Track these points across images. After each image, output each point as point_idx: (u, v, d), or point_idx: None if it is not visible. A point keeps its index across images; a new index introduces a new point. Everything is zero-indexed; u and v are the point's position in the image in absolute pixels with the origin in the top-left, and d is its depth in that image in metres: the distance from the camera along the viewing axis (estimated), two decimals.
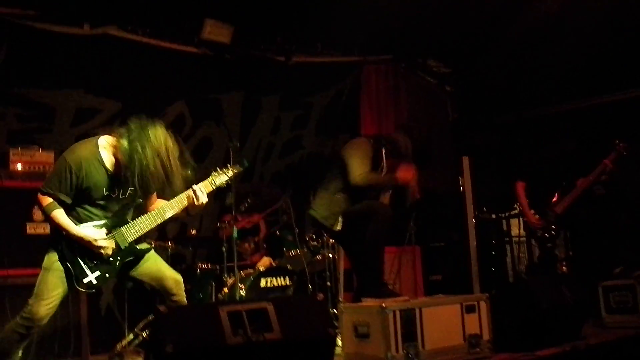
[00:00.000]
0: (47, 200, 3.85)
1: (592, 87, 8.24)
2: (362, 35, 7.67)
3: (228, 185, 4.54)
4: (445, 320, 4.19)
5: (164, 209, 4.10)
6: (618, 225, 6.61)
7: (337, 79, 8.30)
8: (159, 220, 4.10)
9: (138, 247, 4.08)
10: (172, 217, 4.17)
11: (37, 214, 5.21)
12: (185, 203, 4.14)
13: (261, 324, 3.26)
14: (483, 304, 4.39)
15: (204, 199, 4.16)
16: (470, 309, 4.34)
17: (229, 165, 4.47)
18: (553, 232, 6.43)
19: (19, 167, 5.45)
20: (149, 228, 4.08)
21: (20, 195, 5.20)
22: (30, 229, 5.26)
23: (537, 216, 6.50)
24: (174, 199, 4.12)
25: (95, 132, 6.06)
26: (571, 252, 6.95)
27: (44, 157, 5.60)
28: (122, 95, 6.60)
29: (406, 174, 4.90)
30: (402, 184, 4.96)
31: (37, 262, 4.60)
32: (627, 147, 6.29)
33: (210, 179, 4.30)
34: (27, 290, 4.00)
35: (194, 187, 4.15)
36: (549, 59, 7.65)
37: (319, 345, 3.40)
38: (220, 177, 4.34)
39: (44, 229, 5.19)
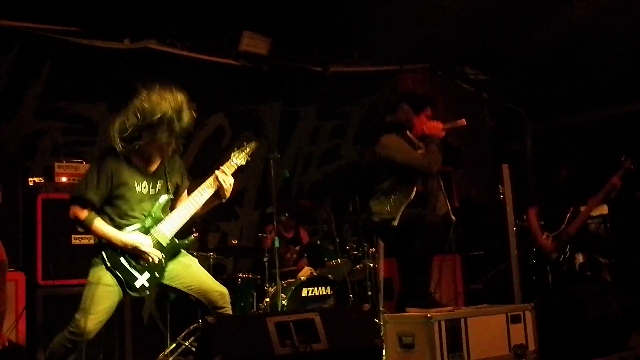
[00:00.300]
0: (82, 213, 3.83)
1: (629, 93, 8.13)
2: (398, 44, 7.68)
3: (270, 197, 4.54)
4: (490, 331, 4.16)
5: (194, 198, 4.09)
6: None
7: (374, 88, 8.32)
8: (194, 209, 4.07)
9: (179, 241, 4.07)
10: (206, 205, 4.15)
11: None
12: (213, 187, 4.11)
13: (308, 335, 3.28)
14: (528, 314, 4.36)
15: (230, 180, 4.14)
16: (515, 319, 4.31)
17: (245, 143, 4.43)
18: (567, 254, 6.34)
19: (64, 179, 5.55)
20: (186, 219, 4.06)
21: (65, 207, 5.26)
22: (75, 240, 5.37)
23: (549, 240, 6.43)
24: (200, 186, 4.12)
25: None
26: (614, 260, 6.87)
27: (87, 169, 5.68)
28: None
29: (432, 126, 4.92)
30: (436, 137, 4.95)
31: (84, 273, 4.67)
32: (632, 161, 6.16)
33: (229, 160, 4.28)
34: (73, 300, 4.03)
35: (217, 171, 4.14)
36: (584, 64, 7.57)
37: (365, 355, 3.41)
38: (240, 155, 4.31)
39: (89, 239, 5.26)
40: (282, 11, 6.74)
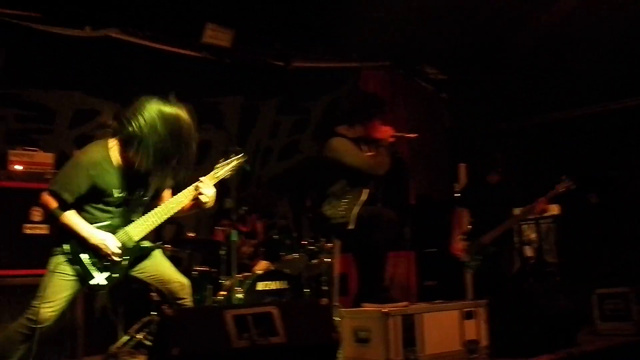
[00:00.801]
0: (53, 203, 3.81)
1: (591, 95, 8.31)
2: (360, 41, 7.71)
3: (226, 189, 4.54)
4: (444, 326, 4.25)
5: (169, 206, 4.05)
6: (614, 233, 6.66)
7: (335, 85, 8.35)
8: (165, 217, 4.04)
9: (144, 245, 4.05)
10: (181, 213, 4.13)
11: (35, 215, 5.22)
12: (190, 196, 4.08)
13: (266, 328, 3.29)
14: (481, 311, 4.45)
15: (210, 190, 4.12)
16: (469, 315, 4.40)
17: (231, 156, 4.42)
18: (477, 262, 6.38)
19: (18, 168, 5.45)
20: (156, 225, 4.03)
21: (18, 196, 5.20)
22: (27, 229, 5.26)
23: (462, 244, 6.46)
24: (179, 194, 4.09)
25: (94, 134, 6.17)
26: (561, 260, 7.04)
27: (43, 158, 5.59)
28: (121, 97, 6.60)
29: (382, 130, 4.97)
30: (385, 139, 5.01)
31: (34, 263, 4.61)
32: (570, 185, 5.99)
33: (213, 171, 4.26)
34: (23, 290, 3.99)
35: (198, 181, 4.14)
36: (546, 67, 7.72)
37: (322, 349, 3.44)
38: (224, 169, 4.28)
39: (43, 229, 5.20)
40: (245, 4, 6.72)
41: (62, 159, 5.71)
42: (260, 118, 7.84)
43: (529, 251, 8.87)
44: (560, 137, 8.25)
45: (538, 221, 8.33)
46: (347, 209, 4.84)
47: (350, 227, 4.83)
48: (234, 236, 5.52)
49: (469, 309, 4.41)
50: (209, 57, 7.18)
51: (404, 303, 4.58)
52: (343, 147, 4.89)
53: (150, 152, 3.78)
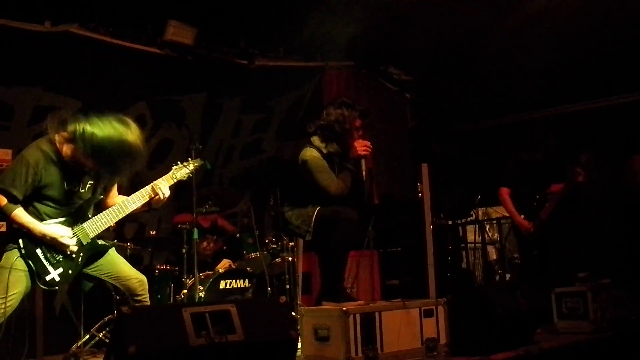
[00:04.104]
0: (3, 199, 3.79)
1: (550, 97, 8.46)
2: (324, 41, 7.74)
3: (189, 186, 4.54)
4: (404, 324, 4.27)
5: (125, 204, 4.09)
6: (579, 230, 6.75)
7: (298, 84, 8.36)
8: (121, 215, 4.08)
9: (99, 242, 4.06)
10: (134, 211, 4.15)
11: None
12: (147, 197, 4.13)
13: (224, 326, 3.27)
14: (441, 309, 4.48)
15: (166, 192, 4.17)
16: (428, 314, 4.42)
17: (189, 159, 4.47)
18: (541, 239, 6.46)
19: None
20: (111, 223, 4.09)
21: None
22: None
23: (526, 221, 6.52)
24: (135, 194, 4.12)
25: None
26: (522, 259, 7.11)
27: (1, 154, 5.52)
28: (82, 93, 6.53)
29: (359, 148, 4.94)
30: (360, 157, 4.98)
31: None
32: (588, 158, 6.32)
33: (171, 172, 4.31)
34: None
35: (156, 181, 4.16)
36: (507, 70, 7.82)
37: (281, 347, 3.43)
38: (182, 171, 4.35)
39: (0, 227, 5.13)
40: (209, 2, 6.69)
41: None
42: (223, 116, 7.81)
43: (492, 251, 9.00)
44: (522, 139, 8.35)
45: (500, 221, 8.44)
46: (309, 216, 4.85)
47: (308, 238, 4.86)
48: (195, 234, 5.49)
49: (429, 307, 4.44)
50: (171, 55, 7.14)
51: (361, 301, 4.60)
52: (316, 165, 4.82)
53: (92, 155, 3.82)
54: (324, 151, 4.89)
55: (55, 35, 6.40)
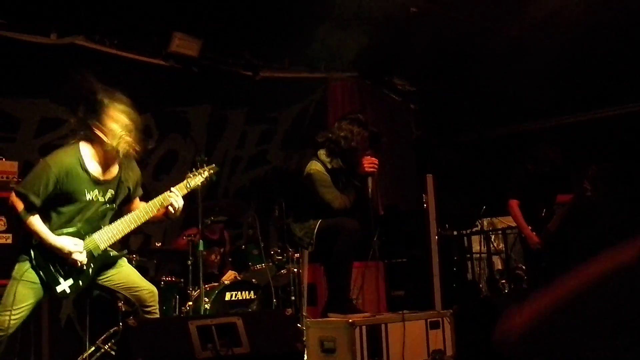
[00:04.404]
0: (20, 204, 3.77)
1: (555, 107, 8.45)
2: (328, 52, 7.75)
3: (194, 197, 4.52)
4: (410, 336, 4.25)
5: (138, 214, 4.03)
6: (586, 243, 6.72)
7: (303, 95, 8.38)
8: (133, 225, 4.02)
9: (111, 253, 4.03)
10: (148, 221, 4.10)
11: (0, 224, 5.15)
12: (159, 207, 4.07)
13: (230, 339, 3.28)
14: (447, 321, 4.47)
15: (180, 201, 4.12)
16: (434, 325, 4.42)
17: (204, 165, 4.41)
18: (549, 250, 6.44)
19: None
20: (123, 234, 4.02)
21: None
22: None
23: (534, 233, 6.51)
24: (148, 204, 4.07)
25: (59, 142, 6.09)
26: (528, 269, 7.10)
27: (7, 166, 5.50)
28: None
29: (367, 165, 4.93)
30: (367, 175, 4.96)
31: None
32: (596, 171, 6.24)
33: (185, 181, 4.24)
34: None
35: (170, 190, 4.13)
36: (511, 79, 7.82)
37: (287, 359, 3.43)
38: (195, 179, 4.27)
39: (6, 239, 5.12)
40: (214, 14, 6.72)
41: (26, 168, 5.64)
42: (228, 128, 7.82)
43: (497, 261, 8.97)
44: (526, 150, 8.36)
45: (505, 231, 8.42)
46: (313, 230, 4.86)
47: (310, 250, 4.88)
48: (201, 246, 5.49)
49: (435, 319, 4.43)
50: (176, 66, 7.16)
51: (368, 313, 4.59)
52: (320, 179, 4.83)
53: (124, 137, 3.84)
54: (329, 166, 4.89)
55: (61, 47, 6.44)
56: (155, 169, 7.12)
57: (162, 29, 6.89)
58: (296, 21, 6.79)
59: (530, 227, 6.50)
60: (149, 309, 4.04)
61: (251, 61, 7.72)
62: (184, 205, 4.19)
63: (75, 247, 3.84)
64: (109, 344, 5.80)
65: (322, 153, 4.95)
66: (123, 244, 6.33)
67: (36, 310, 4.84)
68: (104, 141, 3.86)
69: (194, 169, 4.35)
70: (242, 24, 6.90)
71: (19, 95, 6.28)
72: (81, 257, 3.85)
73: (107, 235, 3.97)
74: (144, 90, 6.96)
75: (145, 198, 4.35)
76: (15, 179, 5.31)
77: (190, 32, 7.00)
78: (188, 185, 4.24)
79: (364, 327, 4.04)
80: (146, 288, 4.07)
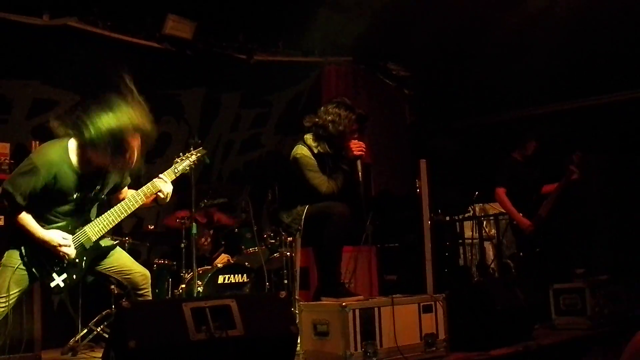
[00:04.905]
0: (7, 202, 3.74)
1: (550, 94, 8.46)
2: (323, 36, 7.72)
3: (187, 180, 4.50)
4: (403, 320, 4.26)
5: (127, 204, 4.00)
6: (577, 227, 6.78)
7: (297, 79, 8.35)
8: (123, 215, 3.99)
9: (102, 244, 4.01)
10: (139, 208, 4.07)
11: None
12: (148, 194, 4.04)
13: (224, 321, 3.27)
14: (439, 304, 4.48)
15: (168, 187, 4.09)
16: (427, 309, 4.42)
17: (191, 149, 4.37)
18: (541, 235, 6.48)
19: None
20: (114, 224, 4.00)
21: None
22: None
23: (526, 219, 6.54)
24: (137, 191, 4.05)
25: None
26: (521, 254, 7.13)
27: None
28: (80, 87, 6.50)
29: (354, 148, 4.90)
30: (356, 159, 4.93)
31: None
32: (581, 157, 6.39)
33: (172, 167, 4.21)
34: None
35: (158, 177, 4.10)
36: (506, 67, 7.82)
37: (281, 342, 3.44)
38: (183, 163, 4.25)
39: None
40: None
41: (18, 150, 5.62)
42: (221, 111, 7.80)
43: (489, 246, 9.00)
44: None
45: (497, 217, 8.45)
46: (297, 217, 4.86)
47: (298, 237, 4.92)
48: (194, 229, 5.48)
49: (428, 303, 4.44)
50: (170, 49, 7.12)
51: (360, 296, 4.60)
52: (306, 164, 4.80)
53: (108, 151, 3.71)
54: (315, 150, 4.86)
55: (53, 28, 6.38)
56: (149, 152, 7.07)
57: (156, 11, 6.84)
58: (291, 5, 6.76)
59: (521, 214, 6.53)
60: (141, 292, 4.05)
61: (245, 44, 7.68)
62: (174, 189, 4.17)
63: (64, 241, 3.80)
64: (102, 327, 5.81)
65: (308, 137, 4.93)
66: (115, 229, 6.33)
67: (28, 292, 4.85)
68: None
69: (181, 154, 4.34)
70: (237, 7, 6.86)
71: (12, 76, 6.25)
72: (70, 251, 3.82)
73: (98, 227, 3.95)
74: (137, 73, 6.85)
75: (138, 181, 4.33)
76: (7, 161, 5.30)
77: (184, 14, 6.95)
78: (176, 170, 4.20)
79: (357, 311, 4.04)
80: (138, 271, 4.06)
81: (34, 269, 3.79)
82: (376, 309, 4.15)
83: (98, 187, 3.94)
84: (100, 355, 3.63)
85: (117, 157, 3.76)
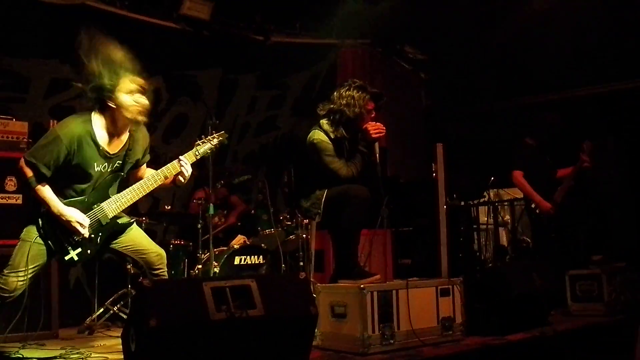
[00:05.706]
0: (29, 171, 3.75)
1: (567, 80, 8.39)
2: (340, 19, 7.68)
3: (203, 162, 4.50)
4: (420, 303, 4.26)
5: (146, 182, 4.02)
6: (593, 214, 6.74)
7: (314, 61, 8.33)
8: (142, 194, 4.01)
9: (119, 221, 4.02)
10: (158, 188, 4.09)
11: (9, 184, 5.14)
12: (168, 175, 4.06)
13: (244, 301, 3.28)
14: (457, 288, 4.47)
15: (189, 169, 4.09)
16: (444, 293, 4.41)
17: (213, 132, 4.36)
18: (556, 221, 6.47)
19: None
20: (131, 202, 4.01)
21: None
22: (0, 199, 5.18)
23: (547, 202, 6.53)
24: (157, 172, 4.06)
25: (69, 104, 6.07)
26: (535, 241, 7.11)
27: (18, 127, 5.47)
28: None
29: (372, 130, 4.88)
30: (374, 141, 4.90)
31: (6, 233, 4.56)
32: (591, 145, 6.38)
33: (194, 149, 4.20)
34: None
35: (178, 158, 4.10)
36: (523, 51, 7.76)
37: (300, 322, 3.44)
38: (204, 146, 4.23)
39: (16, 199, 5.13)
40: None
41: (36, 129, 5.62)
42: (238, 92, 7.79)
43: (503, 232, 8.98)
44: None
45: (512, 203, 8.42)
46: (317, 202, 4.84)
47: (317, 220, 4.88)
48: (211, 209, 5.49)
49: (445, 286, 4.43)
50: (187, 29, 7.10)
51: (377, 276, 4.59)
52: (324, 149, 4.78)
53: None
54: (332, 135, 4.83)
55: (72, 7, 6.38)
56: (165, 133, 7.10)
57: None
58: None
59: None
60: (157, 271, 4.07)
61: (262, 25, 7.65)
62: (194, 171, 4.18)
63: (83, 220, 3.83)
64: (118, 306, 5.85)
65: (324, 122, 4.89)
66: (132, 206, 6.35)
67: (45, 271, 4.89)
68: (117, 114, 3.84)
69: (202, 136, 4.31)
70: None
71: (29, 55, 6.25)
72: (84, 231, 3.84)
73: (115, 205, 3.96)
74: (154, 53, 6.91)
75: (155, 161, 4.34)
76: (25, 140, 5.30)
77: None
78: (197, 153, 4.20)
79: (375, 293, 4.04)
80: (154, 251, 4.09)
81: (49, 242, 3.82)
82: (394, 292, 4.15)
83: (119, 162, 3.96)
84: (117, 334, 3.66)
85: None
